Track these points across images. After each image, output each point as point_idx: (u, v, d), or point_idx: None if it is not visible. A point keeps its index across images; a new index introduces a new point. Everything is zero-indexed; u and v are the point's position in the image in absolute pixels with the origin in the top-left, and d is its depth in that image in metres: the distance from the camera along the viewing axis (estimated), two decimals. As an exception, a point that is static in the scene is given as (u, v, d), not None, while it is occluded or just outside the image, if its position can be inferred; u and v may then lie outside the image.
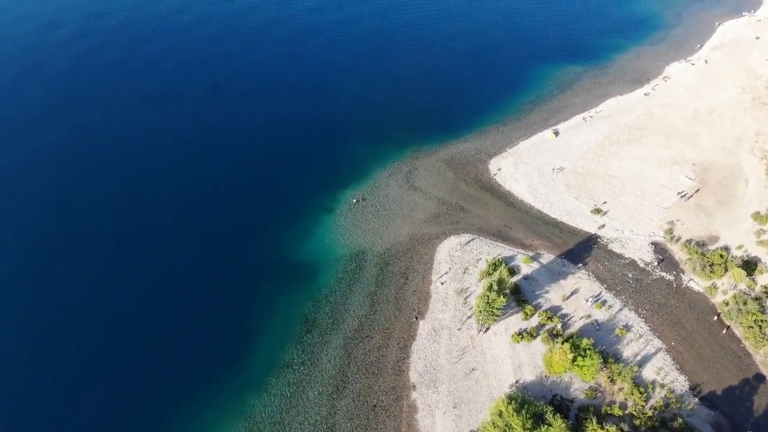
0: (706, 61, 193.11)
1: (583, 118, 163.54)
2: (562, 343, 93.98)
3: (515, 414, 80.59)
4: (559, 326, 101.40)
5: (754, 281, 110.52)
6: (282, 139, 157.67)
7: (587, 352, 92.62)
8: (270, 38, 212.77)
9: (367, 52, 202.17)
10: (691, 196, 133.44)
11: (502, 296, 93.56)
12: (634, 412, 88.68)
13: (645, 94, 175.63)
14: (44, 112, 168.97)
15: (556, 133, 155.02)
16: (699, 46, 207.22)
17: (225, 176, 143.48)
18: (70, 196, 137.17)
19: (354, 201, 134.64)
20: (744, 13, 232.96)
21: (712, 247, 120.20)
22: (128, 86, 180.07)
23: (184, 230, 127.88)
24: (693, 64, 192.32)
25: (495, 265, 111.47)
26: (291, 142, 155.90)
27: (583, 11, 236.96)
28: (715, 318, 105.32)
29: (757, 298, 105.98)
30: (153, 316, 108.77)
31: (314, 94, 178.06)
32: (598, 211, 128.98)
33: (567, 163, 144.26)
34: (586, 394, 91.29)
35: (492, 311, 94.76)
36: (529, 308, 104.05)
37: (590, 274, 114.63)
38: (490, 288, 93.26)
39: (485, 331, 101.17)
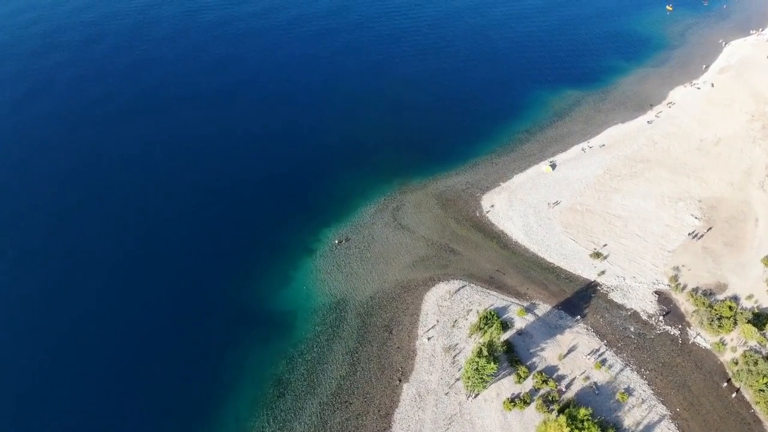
0: (713, 85, 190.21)
1: (582, 149, 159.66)
2: (558, 413, 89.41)
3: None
4: (554, 391, 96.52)
5: (765, 337, 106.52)
6: (259, 170, 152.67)
7: (585, 423, 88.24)
8: (250, 64, 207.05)
9: (354, 78, 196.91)
10: (698, 237, 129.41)
11: (492, 362, 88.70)
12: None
13: (648, 122, 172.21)
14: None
15: (553, 166, 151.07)
16: (704, 67, 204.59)
17: (195, 210, 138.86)
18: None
19: (336, 242, 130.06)
20: (751, 32, 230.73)
21: (720, 297, 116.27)
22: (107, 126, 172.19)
23: (145, 273, 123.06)
24: (698, 89, 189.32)
25: (487, 319, 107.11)
26: (269, 174, 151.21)
27: (583, 31, 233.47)
28: (725, 384, 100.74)
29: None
30: (106, 372, 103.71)
31: (295, 122, 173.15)
32: (597, 255, 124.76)
33: (564, 199, 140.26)
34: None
35: (482, 378, 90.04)
36: (522, 369, 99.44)
37: (589, 328, 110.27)
38: (479, 353, 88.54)
39: (474, 396, 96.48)
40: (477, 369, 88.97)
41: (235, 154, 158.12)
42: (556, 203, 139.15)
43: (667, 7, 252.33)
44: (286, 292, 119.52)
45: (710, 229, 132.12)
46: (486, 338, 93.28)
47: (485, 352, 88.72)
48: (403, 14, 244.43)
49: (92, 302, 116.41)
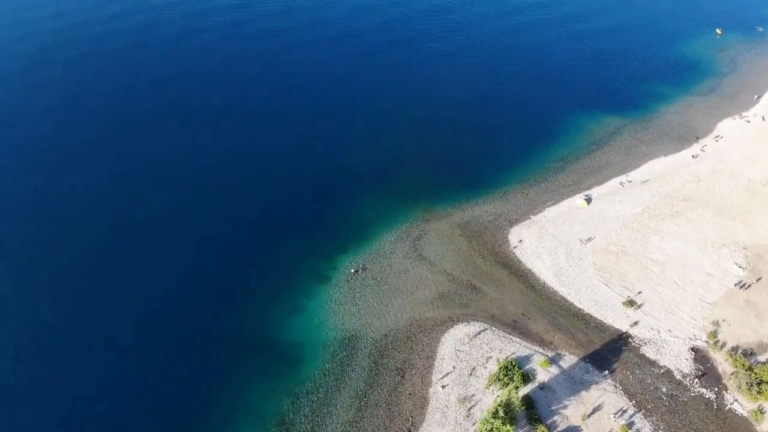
0: (764, 119, 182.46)
1: (621, 183, 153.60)
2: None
3: None
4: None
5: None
6: (273, 189, 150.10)
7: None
8: (260, 73, 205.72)
9: (378, 90, 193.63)
10: (742, 288, 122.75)
11: (509, 424, 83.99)
12: None
13: (693, 156, 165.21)
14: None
15: (588, 200, 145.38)
16: (756, 97, 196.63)
17: (203, 230, 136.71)
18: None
19: (352, 270, 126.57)
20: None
21: (761, 358, 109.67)
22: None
23: (142, 294, 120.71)
24: (748, 121, 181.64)
25: (507, 369, 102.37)
26: (283, 194, 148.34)
27: (625, 51, 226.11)
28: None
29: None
30: (95, 397, 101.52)
31: (314, 139, 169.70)
32: (631, 303, 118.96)
33: (599, 238, 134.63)
34: None
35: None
36: (542, 429, 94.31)
37: (617, 385, 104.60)
38: (495, 414, 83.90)
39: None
40: (491, 430, 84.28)
41: (249, 172, 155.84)
42: (589, 241, 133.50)
43: (717, 30, 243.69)
44: (296, 323, 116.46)
45: (758, 280, 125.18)
46: (504, 395, 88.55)
47: (501, 413, 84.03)
48: (444, 35, 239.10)
49: (83, 321, 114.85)
